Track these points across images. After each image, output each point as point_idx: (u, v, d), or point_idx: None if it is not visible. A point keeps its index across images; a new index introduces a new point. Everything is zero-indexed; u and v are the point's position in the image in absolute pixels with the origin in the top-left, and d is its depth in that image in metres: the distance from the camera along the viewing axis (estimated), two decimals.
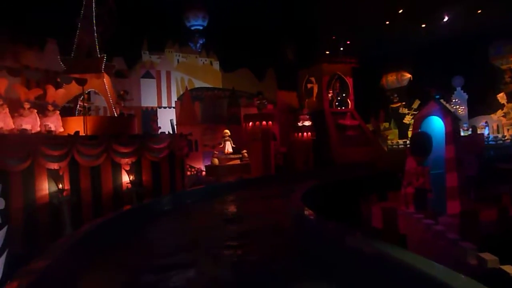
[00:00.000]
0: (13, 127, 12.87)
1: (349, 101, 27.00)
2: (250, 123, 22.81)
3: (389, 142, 33.56)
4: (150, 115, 20.27)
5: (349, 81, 26.89)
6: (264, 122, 22.44)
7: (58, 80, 14.47)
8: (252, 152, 22.29)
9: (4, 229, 8.29)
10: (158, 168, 15.68)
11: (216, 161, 20.75)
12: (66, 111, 15.92)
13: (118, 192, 14.34)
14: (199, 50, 27.79)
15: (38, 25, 17.90)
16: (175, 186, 16.27)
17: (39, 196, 12.16)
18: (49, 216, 12.33)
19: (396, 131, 38.01)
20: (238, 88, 25.62)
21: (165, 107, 22.12)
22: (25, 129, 12.39)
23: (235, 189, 15.85)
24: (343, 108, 26.82)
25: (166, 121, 20.27)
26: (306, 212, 7.28)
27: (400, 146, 33.46)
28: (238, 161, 20.90)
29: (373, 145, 25.78)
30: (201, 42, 29.17)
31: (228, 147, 20.95)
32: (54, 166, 12.50)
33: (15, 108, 13.71)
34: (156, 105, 21.49)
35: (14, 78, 13.71)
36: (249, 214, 11.63)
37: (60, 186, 12.51)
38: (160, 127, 17.92)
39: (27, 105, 13.45)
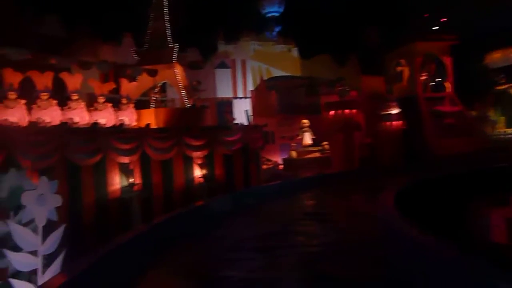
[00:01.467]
0: (89, 121, 12.83)
1: (447, 84, 23.53)
2: (331, 112, 20.93)
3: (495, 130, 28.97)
4: (225, 106, 19.60)
5: (447, 61, 23.39)
6: (346, 111, 20.42)
7: (129, 72, 14.26)
8: (334, 144, 20.45)
9: (62, 228, 7.86)
10: (231, 162, 14.78)
11: (294, 154, 19.34)
12: (142, 104, 15.75)
13: (190, 187, 13.70)
14: (275, 38, 26.48)
15: (115, 20, 18.12)
16: (250, 180, 15.24)
17: (111, 191, 11.90)
18: (120, 211, 12.05)
19: (503, 118, 32.86)
20: (317, 75, 23.85)
21: (240, 98, 21.25)
22: (96, 123, 12.20)
23: (314, 185, 14.28)
24: (440, 92, 23.49)
25: (242, 112, 19.42)
26: (402, 223, 5.57)
27: (508, 136, 28.64)
28: (318, 154, 19.25)
29: (476, 135, 22.19)
30: (277, 29, 27.79)
31: (307, 138, 19.39)
32: (125, 160, 12.17)
33: (91, 103, 13.76)
34: (232, 96, 20.73)
35: (88, 72, 13.72)
36: (329, 218, 10.06)
37: (131, 180, 12.15)
38: (234, 119, 17.05)
39: (101, 99, 13.38)
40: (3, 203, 7.60)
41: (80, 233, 11.08)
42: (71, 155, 10.96)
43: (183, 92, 15.34)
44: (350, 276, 5.82)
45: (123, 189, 12.07)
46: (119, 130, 12.38)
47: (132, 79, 15.05)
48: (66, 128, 11.10)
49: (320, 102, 21.42)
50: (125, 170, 12.15)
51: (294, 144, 19.55)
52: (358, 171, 19.41)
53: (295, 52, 27.81)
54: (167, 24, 15.94)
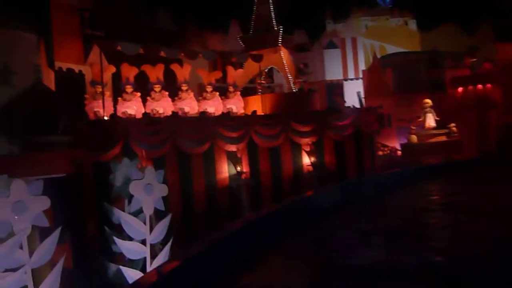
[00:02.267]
0: (198, 110, 12.98)
1: None
2: (460, 88, 18.11)
3: None
4: (335, 89, 18.36)
5: None
6: (479, 86, 17.41)
7: (234, 59, 14.05)
8: (464, 125, 17.67)
9: (168, 217, 7.85)
10: (342, 148, 13.65)
11: (414, 138, 17.18)
12: (250, 92, 15.51)
13: (299, 176, 13.01)
14: (390, 5, 23.89)
15: (223, 9, 18.24)
16: (363, 168, 13.92)
17: (220, 179, 11.85)
18: (229, 199, 11.95)
19: None
20: (440, 48, 20.83)
21: (351, 79, 19.66)
22: (204, 112, 12.22)
23: (440, 174, 12.33)
24: None
25: (354, 94, 17.97)
26: None
27: None
28: (444, 138, 16.79)
29: None
30: None
31: (430, 120, 17.02)
32: (233, 148, 11.99)
33: (201, 92, 13.93)
34: (342, 78, 19.35)
35: (197, 62, 13.90)
36: (462, 219, 8.40)
37: (239, 168, 11.93)
38: (345, 102, 15.78)
39: (209, 88, 13.42)
40: (118, 191, 7.89)
41: (190, 221, 11.31)
42: (181, 144, 11.14)
43: (290, 76, 14.63)
44: None
45: (231, 177, 11.93)
46: (226, 118, 12.24)
47: (238, 66, 14.88)
48: (176, 117, 11.31)
49: (444, 78, 18.65)
50: (233, 158, 11.98)
51: (414, 127, 17.34)
52: (495, 157, 16.44)
53: (412, 24, 24.87)
54: (272, 7, 15.33)
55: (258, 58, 13.79)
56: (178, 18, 16.92)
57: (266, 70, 16.12)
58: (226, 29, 17.80)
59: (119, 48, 11.17)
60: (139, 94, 12.07)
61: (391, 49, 22.65)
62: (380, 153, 17.08)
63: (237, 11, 18.09)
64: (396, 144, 18.75)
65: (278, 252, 6.94)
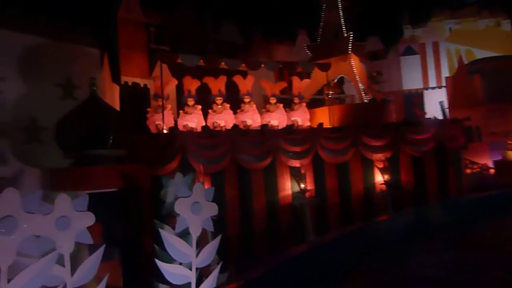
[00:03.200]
0: (261, 123, 12.37)
1: None
2: None
3: None
4: (413, 99, 16.61)
5: None
6: None
7: (299, 69, 13.25)
8: None
9: (218, 239, 7.21)
10: (421, 165, 12.11)
11: (511, 154, 14.82)
12: (317, 103, 14.57)
13: (370, 195, 11.74)
14: (475, 1, 21.28)
15: (289, 18, 17.63)
16: (447, 189, 12.18)
17: (281, 197, 11.03)
18: (291, 219, 11.04)
19: None
20: None
21: (433, 88, 17.67)
22: (266, 125, 11.56)
23: None
24: None
25: (435, 105, 16.10)
26: None
27: None
28: None
29: None
30: None
31: None
32: (296, 163, 11.13)
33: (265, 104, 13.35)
34: (422, 87, 17.48)
35: (262, 74, 13.38)
36: None
37: (303, 186, 11.02)
38: (425, 113, 14.13)
39: (273, 100, 12.77)
40: (169, 209, 7.45)
41: (249, 241, 10.61)
42: (241, 158, 10.57)
43: (361, 86, 13.44)
44: None
45: (294, 195, 11.05)
46: (289, 131, 11.45)
47: (304, 76, 14.08)
48: (235, 131, 10.78)
49: None
50: (297, 175, 11.11)
51: (511, 142, 14.95)
52: None
53: (506, 25, 22.00)
54: (341, 13, 14.37)
55: (325, 67, 12.85)
56: (244, 30, 16.66)
57: (335, 80, 15.08)
58: (293, 39, 17.15)
59: (179, 60, 11.02)
60: (200, 107, 11.81)
61: (480, 53, 20.16)
62: (468, 171, 14.99)
63: (305, 21, 17.39)
64: (488, 161, 16.37)
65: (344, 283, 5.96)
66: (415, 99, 16.41)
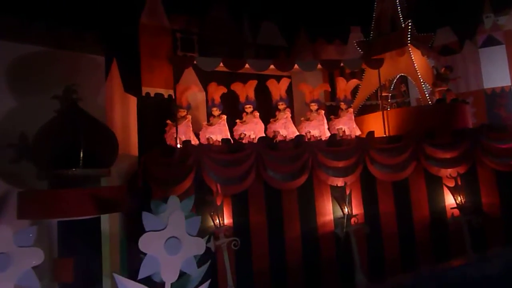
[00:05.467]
0: (300, 133, 10.59)
1: None
2: None
3: None
4: (497, 99, 13.57)
5: None
6: None
7: (346, 69, 11.24)
8: None
9: (206, 265, 5.58)
10: (510, 183, 9.31)
11: None
12: (373, 110, 12.39)
13: (438, 222, 9.27)
14: None
15: (339, 15, 15.63)
16: None
17: (321, 224, 9.09)
18: (333, 250, 9.01)
19: None
20: None
21: None
22: (301, 135, 9.75)
23: None
24: None
25: None
26: None
27: None
28: None
29: None
30: None
31: None
32: (338, 182, 9.14)
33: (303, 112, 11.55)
34: (509, 84, 14.25)
35: (300, 77, 11.66)
36: None
37: (347, 210, 8.96)
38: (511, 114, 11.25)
39: (314, 106, 10.93)
40: None
41: (281, 278, 8.77)
42: (269, 176, 8.87)
43: (424, 84, 11.02)
44: None
45: (337, 221, 9.04)
46: (330, 142, 9.52)
47: (352, 77, 12.01)
48: (263, 143, 9.13)
49: None
50: (339, 196, 9.10)
51: None
52: None
53: None
54: (397, 1, 12.14)
55: (375, 64, 10.73)
56: (287, 31, 15.09)
57: (394, 81, 12.78)
58: (345, 38, 15.16)
59: (194, 62, 9.73)
60: (224, 116, 10.38)
61: None
62: None
63: (358, 16, 15.29)
64: None
65: None
66: (501, 99, 13.42)
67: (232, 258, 8.40)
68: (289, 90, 12.47)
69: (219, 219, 8.34)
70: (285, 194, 8.99)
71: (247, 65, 10.19)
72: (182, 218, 5.17)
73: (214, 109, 10.49)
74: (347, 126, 10.86)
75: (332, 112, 11.53)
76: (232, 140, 10.10)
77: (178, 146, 9.42)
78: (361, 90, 12.24)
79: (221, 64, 10.24)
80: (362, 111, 12.37)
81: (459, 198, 9.07)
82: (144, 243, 4.78)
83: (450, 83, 11.56)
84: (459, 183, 9.12)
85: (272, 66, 10.69)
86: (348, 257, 8.90)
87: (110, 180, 7.29)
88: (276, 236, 8.85)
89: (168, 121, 10.51)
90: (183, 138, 9.77)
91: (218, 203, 8.40)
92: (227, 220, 8.58)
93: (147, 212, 5.12)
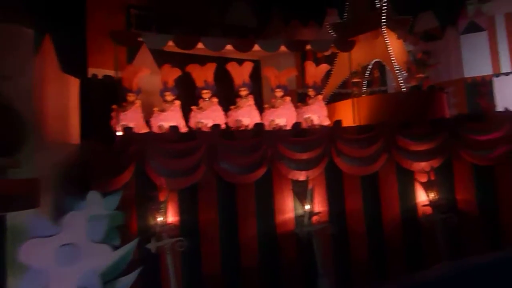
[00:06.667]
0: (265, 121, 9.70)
1: None
2: None
3: None
4: (479, 89, 12.84)
5: None
6: None
7: (310, 47, 10.29)
8: None
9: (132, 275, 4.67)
10: (488, 179, 8.59)
11: None
12: (344, 98, 11.55)
13: (409, 221, 8.50)
14: None
15: None
16: None
17: (280, 222, 8.23)
18: (294, 252, 8.18)
19: None
20: None
21: (506, 74, 13.57)
22: (261, 124, 8.84)
23: None
24: None
25: (510, 95, 12.27)
26: None
27: None
28: None
29: None
30: None
31: None
32: (301, 176, 8.28)
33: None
34: (491, 73, 13.55)
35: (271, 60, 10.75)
36: None
37: (309, 207, 8.12)
38: (494, 105, 10.55)
39: (279, 93, 10.02)
40: None
41: (235, 282, 7.92)
42: (223, 169, 7.96)
43: (399, 70, 10.19)
44: None
45: (298, 220, 8.19)
46: (293, 132, 8.63)
47: (327, 62, 11.13)
48: (215, 132, 8.19)
49: None
50: (301, 191, 8.24)
51: None
52: None
53: None
54: None
55: (346, 46, 9.86)
56: (259, 11, 14.12)
57: (369, 66, 11.94)
58: (320, 20, 14.28)
59: (140, 39, 8.70)
60: (178, 102, 9.40)
61: None
62: None
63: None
64: None
65: None
66: (481, 88, 12.72)
67: (178, 261, 7.52)
68: (257, 75, 11.63)
69: (162, 217, 7.44)
70: (241, 189, 8.10)
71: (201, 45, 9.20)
72: (82, 220, 4.23)
73: (167, 93, 9.50)
74: (317, 114, 9.99)
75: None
76: (189, 129, 9.21)
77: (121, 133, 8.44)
78: (332, 76, 11.41)
79: None
80: (336, 100, 11.53)
81: (432, 195, 8.30)
82: (26, 252, 3.83)
83: (430, 71, 10.79)
84: (432, 178, 8.35)
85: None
86: (310, 259, 8.10)
87: (35, 172, 6.29)
88: (229, 236, 7.99)
89: (115, 106, 9.49)
90: (131, 125, 8.78)
91: (162, 199, 7.50)
92: (173, 218, 7.68)
93: (36, 213, 4.17)
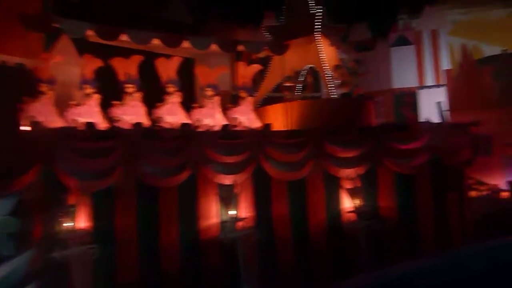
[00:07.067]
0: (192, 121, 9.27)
1: None
2: None
3: None
4: (403, 99, 13.48)
5: None
6: None
7: (243, 48, 10.14)
8: None
9: None
10: (409, 186, 8.89)
11: None
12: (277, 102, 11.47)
13: (334, 228, 8.53)
14: None
15: (255, 1, 14.60)
16: (447, 221, 8.97)
17: (203, 228, 7.86)
18: (218, 259, 7.85)
19: None
20: None
21: (429, 87, 14.48)
22: (187, 124, 8.43)
23: None
24: None
25: (433, 107, 13.02)
26: None
27: None
28: None
29: None
30: None
31: None
32: (227, 180, 7.97)
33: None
34: (416, 85, 14.35)
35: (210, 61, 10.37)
36: None
37: (234, 212, 7.84)
38: (417, 115, 11.05)
39: (209, 92, 9.67)
40: None
41: None
42: (143, 171, 7.42)
43: (330, 76, 10.31)
44: None
45: (223, 225, 7.87)
46: (220, 133, 8.31)
47: (258, 63, 10.99)
48: (137, 130, 7.64)
49: None
50: (226, 196, 7.94)
51: None
52: None
53: None
54: None
55: (279, 49, 9.79)
56: (195, 9, 13.69)
57: (303, 72, 11.98)
58: (258, 23, 14.18)
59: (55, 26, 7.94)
60: (96, 96, 8.70)
61: (490, 50, 17.17)
62: (474, 194, 11.83)
63: (273, 2, 14.39)
64: (500, 181, 13.14)
65: None
66: (406, 99, 13.34)
67: (89, 270, 6.87)
68: (191, 74, 11.20)
69: (71, 222, 6.75)
70: (163, 193, 7.60)
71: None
72: None
73: (86, 86, 8.77)
74: (246, 116, 9.77)
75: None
76: (110, 125, 8.54)
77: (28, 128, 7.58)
78: (266, 79, 11.30)
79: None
80: (269, 103, 11.40)
81: (356, 201, 8.40)
82: None
83: (360, 80, 11.04)
84: (358, 185, 8.46)
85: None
86: (234, 266, 7.82)
87: None
88: (149, 243, 7.46)
89: (25, 98, 8.55)
90: (40, 119, 7.93)
91: (71, 202, 6.81)
92: (85, 223, 7.00)
93: None
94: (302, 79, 12.16)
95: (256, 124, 9.81)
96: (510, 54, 15.61)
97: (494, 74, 13.68)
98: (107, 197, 7.26)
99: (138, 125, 7.86)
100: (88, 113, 8.50)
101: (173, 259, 7.62)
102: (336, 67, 10.42)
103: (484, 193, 12.54)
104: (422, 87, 13.94)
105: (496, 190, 13.29)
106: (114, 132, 7.61)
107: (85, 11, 10.57)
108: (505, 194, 13.21)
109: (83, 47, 9.77)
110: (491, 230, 9.16)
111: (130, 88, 8.96)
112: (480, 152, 12.12)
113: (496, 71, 13.74)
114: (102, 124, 8.63)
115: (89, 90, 8.73)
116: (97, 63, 8.80)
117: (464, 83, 13.88)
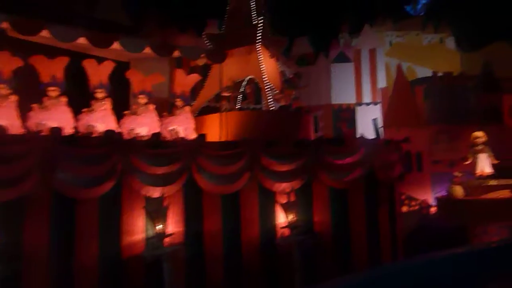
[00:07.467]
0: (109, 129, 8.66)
1: None
2: None
3: None
4: (341, 114, 13.80)
5: None
6: None
7: (177, 54, 9.78)
8: None
9: None
10: (342, 202, 8.90)
11: (458, 190, 12.15)
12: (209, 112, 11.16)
13: (267, 243, 8.28)
14: (421, 13, 19.74)
15: (197, 5, 14.38)
16: (378, 237, 9.07)
17: (126, 245, 7.27)
18: (142, 279, 7.30)
19: None
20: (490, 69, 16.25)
21: (367, 104, 15.00)
22: (111, 131, 7.86)
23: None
24: None
25: (369, 123, 13.43)
26: None
27: None
28: (508, 193, 11.71)
29: None
30: (423, 2, 20.83)
31: (483, 164, 12.01)
32: (155, 192, 7.48)
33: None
34: (354, 102, 14.77)
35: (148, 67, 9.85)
36: None
37: (161, 227, 7.35)
38: (353, 130, 11.25)
39: (142, 99, 9.15)
40: None
41: None
42: (59, 181, 6.74)
43: (270, 88, 10.22)
44: None
45: (149, 241, 7.35)
46: (149, 143, 7.82)
47: (198, 71, 10.66)
48: (54, 136, 6.96)
49: (501, 105, 13.74)
50: (154, 210, 7.44)
51: (459, 174, 12.34)
52: None
53: (450, 43, 20.43)
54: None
55: (217, 57, 9.53)
56: (134, 11, 13.14)
57: (243, 83, 11.81)
58: (200, 29, 13.91)
59: None
60: (14, 98, 7.89)
61: (423, 72, 18.20)
62: (405, 209, 12.22)
63: (217, 10, 14.23)
64: (428, 196, 13.76)
65: None
66: (344, 114, 13.64)
67: None
68: (125, 79, 10.60)
69: None
70: (81, 205, 6.95)
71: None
72: None
73: (2, 86, 7.92)
74: (183, 126, 9.35)
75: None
76: (27, 130, 7.75)
77: None
78: (204, 88, 10.98)
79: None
80: (206, 113, 11.07)
81: (290, 216, 8.23)
82: None
83: (301, 94, 11.07)
84: (292, 199, 8.31)
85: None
86: (159, 286, 7.30)
87: None
88: (63, 260, 6.77)
89: None
90: None
91: None
92: None
93: None
94: (242, 90, 12.04)
95: (193, 134, 9.42)
96: (440, 77, 16.67)
97: (425, 94, 14.39)
98: (16, 208, 6.50)
99: (55, 130, 7.17)
100: (2, 115, 7.66)
101: (90, 280, 6.96)
102: (276, 79, 10.34)
103: (415, 208, 13.05)
104: (360, 103, 14.36)
105: (426, 206, 13.89)
106: (28, 137, 6.90)
107: (3, 1, 9.68)
108: (433, 210, 13.84)
109: (4, 43, 8.92)
110: (420, 245, 9.42)
111: (53, 90, 8.22)
112: (410, 168, 12.68)
113: (427, 92, 14.47)
114: (19, 128, 7.87)
115: (5, 90, 7.90)
116: (17, 62, 7.99)
117: (398, 101, 14.50)
